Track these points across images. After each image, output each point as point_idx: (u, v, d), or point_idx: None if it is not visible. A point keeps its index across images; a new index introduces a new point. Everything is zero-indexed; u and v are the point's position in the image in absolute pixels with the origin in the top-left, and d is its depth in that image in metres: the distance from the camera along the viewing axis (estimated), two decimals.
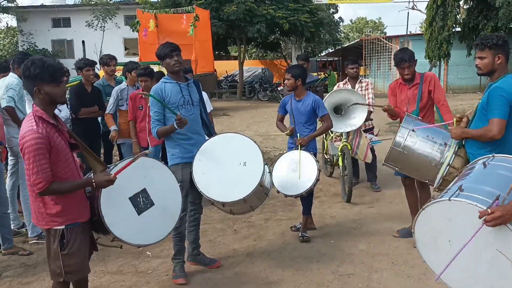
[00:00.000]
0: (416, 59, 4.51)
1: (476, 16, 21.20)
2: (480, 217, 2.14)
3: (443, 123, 4.04)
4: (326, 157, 7.12)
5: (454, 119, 3.77)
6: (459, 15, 22.01)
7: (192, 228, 4.12)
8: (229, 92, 24.55)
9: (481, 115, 3.37)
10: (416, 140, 3.85)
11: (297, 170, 4.52)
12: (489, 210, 2.12)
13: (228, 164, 3.87)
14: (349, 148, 6.07)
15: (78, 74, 6.03)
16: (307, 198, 4.72)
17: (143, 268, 4.21)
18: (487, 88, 3.38)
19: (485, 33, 18.86)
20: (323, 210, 5.69)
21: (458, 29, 21.91)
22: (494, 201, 2.20)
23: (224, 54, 29.12)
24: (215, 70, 19.27)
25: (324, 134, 7.17)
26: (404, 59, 4.41)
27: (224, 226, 5.25)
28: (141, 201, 3.11)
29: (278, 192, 4.50)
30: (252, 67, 27.73)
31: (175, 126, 3.66)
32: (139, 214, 3.08)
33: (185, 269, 4.00)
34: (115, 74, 14.06)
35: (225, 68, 26.03)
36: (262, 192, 4.06)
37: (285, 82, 4.78)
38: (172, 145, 3.90)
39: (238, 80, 23.72)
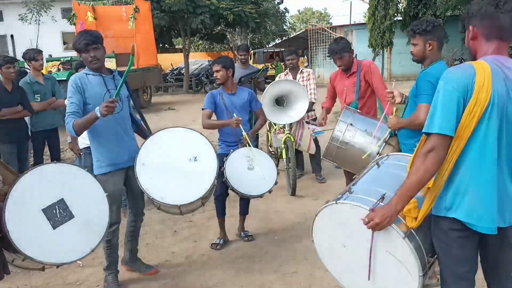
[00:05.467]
0: (352, 50, 4.41)
1: (416, 5, 21.72)
2: (365, 224, 2.06)
3: (382, 115, 3.94)
4: (271, 149, 6.98)
5: (394, 108, 3.69)
6: (400, 4, 22.51)
7: (131, 238, 3.84)
8: (175, 85, 24.01)
9: (412, 103, 3.28)
10: (354, 134, 3.75)
11: (254, 167, 4.23)
12: (366, 219, 2.05)
13: (177, 162, 3.53)
14: (292, 140, 5.95)
15: None
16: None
17: (72, 279, 3.88)
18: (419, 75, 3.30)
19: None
20: (267, 205, 5.53)
21: (400, 18, 22.41)
22: (378, 201, 2.12)
23: (169, 46, 28.42)
24: (158, 63, 18.68)
25: (268, 127, 7.05)
26: (335, 50, 4.33)
27: (163, 228, 4.98)
28: (58, 213, 2.75)
29: (240, 195, 4.20)
30: (199, 60, 27.28)
31: (97, 113, 3.02)
32: (54, 228, 2.72)
33: (119, 277, 3.71)
34: (51, 69, 13.47)
35: (171, 61, 25.43)
36: (214, 184, 3.79)
37: (215, 75, 4.41)
38: (99, 150, 3.42)
39: (184, 73, 23.21)
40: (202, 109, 4.37)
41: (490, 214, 1.94)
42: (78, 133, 3.22)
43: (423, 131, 2.01)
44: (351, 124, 3.78)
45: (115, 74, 3.54)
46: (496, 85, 1.92)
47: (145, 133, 3.80)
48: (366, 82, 4.35)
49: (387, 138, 3.60)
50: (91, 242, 2.91)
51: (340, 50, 4.31)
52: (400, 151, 3.49)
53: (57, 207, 2.77)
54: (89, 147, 5.32)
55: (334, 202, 2.23)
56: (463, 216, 1.97)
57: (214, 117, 4.47)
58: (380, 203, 2.11)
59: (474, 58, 2.10)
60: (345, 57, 4.33)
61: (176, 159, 3.54)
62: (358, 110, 4.09)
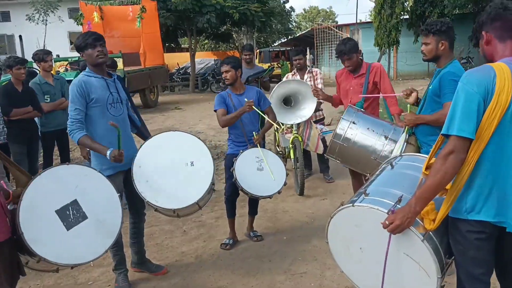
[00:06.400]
0: (360, 50, 4.44)
1: (422, 3, 21.64)
2: (384, 228, 2.06)
3: (392, 119, 3.98)
4: (278, 149, 6.99)
5: (408, 106, 3.68)
6: (407, 2, 22.43)
7: (136, 240, 3.86)
8: (181, 85, 24.04)
9: (432, 102, 3.31)
10: (357, 132, 3.78)
11: (263, 168, 4.25)
12: (387, 222, 2.05)
13: (173, 166, 3.54)
14: (300, 140, 5.96)
15: (7, 73, 5.58)
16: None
17: (83, 279, 3.92)
18: (436, 74, 3.33)
19: (431, 20, 19.37)
20: (275, 205, 5.55)
21: (406, 16, 22.34)
22: (395, 203, 2.12)
23: (175, 46, 28.46)
24: (164, 63, 18.72)
25: (275, 127, 7.06)
26: (343, 51, 4.34)
27: (172, 228, 5.01)
28: (71, 214, 2.77)
29: (250, 195, 4.21)
30: (205, 59, 27.28)
31: (108, 156, 3.23)
32: (68, 229, 2.74)
33: (129, 278, 3.74)
34: (58, 69, 13.54)
35: (177, 60, 25.47)
36: (210, 189, 3.82)
37: (224, 76, 4.35)
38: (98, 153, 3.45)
39: (190, 72, 23.25)
40: (215, 110, 4.37)
41: None
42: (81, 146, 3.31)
43: (441, 132, 2.01)
44: (354, 122, 3.81)
45: (115, 78, 3.60)
46: None
47: (144, 134, 3.84)
48: (374, 84, 4.37)
49: (407, 138, 3.61)
50: (105, 242, 2.93)
51: (349, 51, 4.33)
52: (419, 149, 3.50)
53: (70, 208, 2.79)
54: None
55: (351, 204, 2.23)
56: (491, 217, 1.98)
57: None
58: (398, 205, 2.11)
59: (489, 62, 2.10)
60: (353, 57, 4.35)
61: (172, 163, 3.55)
62: (362, 109, 4.12)
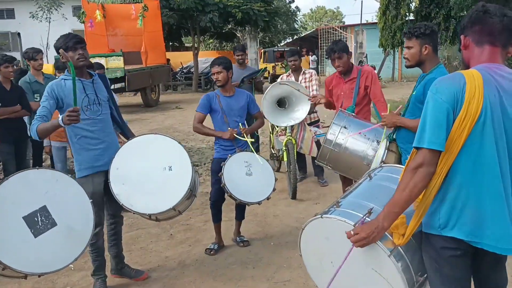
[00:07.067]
0: (351, 52, 4.33)
1: (428, 4, 21.41)
2: (348, 238, 1.95)
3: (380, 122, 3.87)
4: (273, 151, 6.88)
5: (388, 105, 3.59)
6: (412, 3, 22.21)
7: (113, 243, 3.75)
8: (184, 84, 23.96)
9: (415, 108, 3.18)
10: (348, 137, 3.65)
11: (252, 173, 4.15)
12: (352, 232, 1.94)
13: (151, 170, 3.43)
14: (294, 142, 5.84)
15: None
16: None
17: (62, 283, 3.82)
18: (420, 79, 3.21)
19: (437, 21, 19.17)
20: (266, 209, 5.43)
21: (412, 17, 22.13)
22: (364, 216, 2.01)
23: (178, 45, 28.39)
24: (168, 61, 18.65)
25: (270, 129, 6.95)
26: (334, 50, 4.24)
27: (159, 231, 4.91)
28: (40, 221, 2.68)
29: (239, 201, 4.10)
30: (209, 58, 27.11)
31: (60, 122, 2.98)
32: (36, 236, 2.65)
33: (108, 283, 3.65)
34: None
35: (181, 59, 25.40)
36: (191, 194, 3.71)
37: (215, 77, 4.21)
38: (79, 151, 3.37)
39: (193, 71, 23.17)
40: (196, 110, 4.27)
41: (504, 231, 1.81)
42: (42, 137, 3.16)
43: (413, 145, 1.90)
44: (345, 127, 3.70)
45: (95, 78, 3.48)
46: (488, 95, 1.81)
47: (127, 134, 3.73)
48: (365, 89, 4.26)
49: (387, 145, 3.50)
50: (75, 250, 2.84)
51: (339, 49, 4.24)
52: (401, 156, 3.40)
53: (39, 214, 2.71)
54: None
55: (320, 216, 2.13)
56: (464, 234, 1.85)
57: (208, 119, 4.34)
58: (367, 218, 2.00)
59: (468, 68, 1.98)
60: (343, 57, 4.26)
61: (150, 167, 3.44)
62: (353, 114, 4.00)
